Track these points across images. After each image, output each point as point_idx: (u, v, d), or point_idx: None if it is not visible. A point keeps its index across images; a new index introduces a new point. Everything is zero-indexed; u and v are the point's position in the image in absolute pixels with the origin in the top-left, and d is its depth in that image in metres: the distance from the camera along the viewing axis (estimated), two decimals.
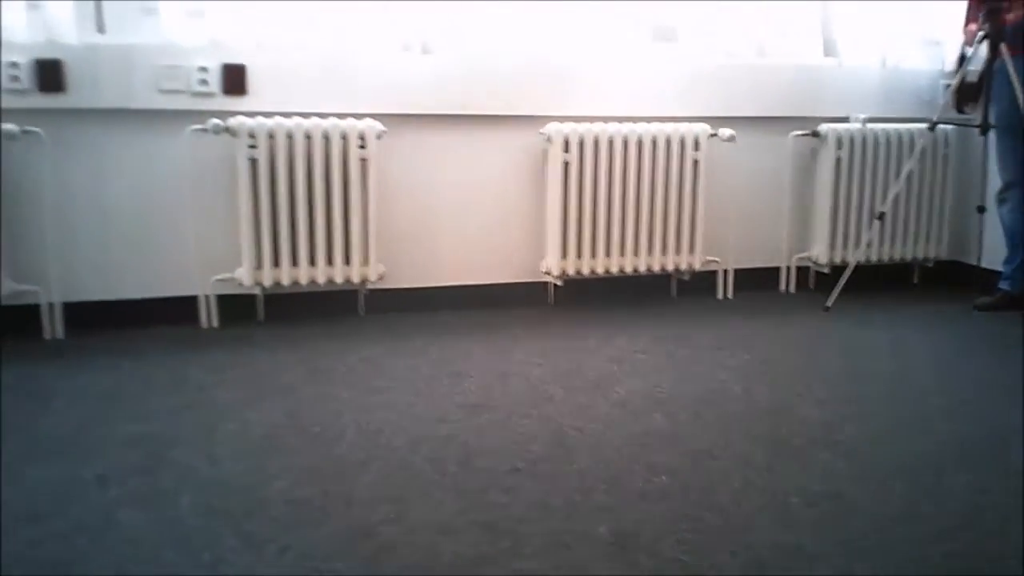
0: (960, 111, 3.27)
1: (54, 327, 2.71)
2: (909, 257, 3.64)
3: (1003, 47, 3.06)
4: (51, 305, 2.71)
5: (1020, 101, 3.03)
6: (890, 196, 3.40)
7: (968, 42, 3.28)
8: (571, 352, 2.69)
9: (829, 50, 3.50)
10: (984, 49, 3.09)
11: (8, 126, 2.54)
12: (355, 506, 1.68)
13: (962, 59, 3.26)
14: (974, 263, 3.43)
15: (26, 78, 2.59)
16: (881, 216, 3.38)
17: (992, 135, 3.20)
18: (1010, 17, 3.06)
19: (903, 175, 3.38)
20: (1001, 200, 3.34)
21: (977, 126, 3.21)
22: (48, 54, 2.58)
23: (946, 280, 3.69)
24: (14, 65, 2.57)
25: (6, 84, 2.57)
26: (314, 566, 1.46)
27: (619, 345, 2.78)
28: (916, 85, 3.60)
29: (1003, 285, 3.38)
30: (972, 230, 3.42)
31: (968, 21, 3.26)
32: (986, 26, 3.08)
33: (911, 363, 2.70)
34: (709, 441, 2.04)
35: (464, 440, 2.01)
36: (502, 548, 1.54)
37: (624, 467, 1.88)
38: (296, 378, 2.40)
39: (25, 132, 2.58)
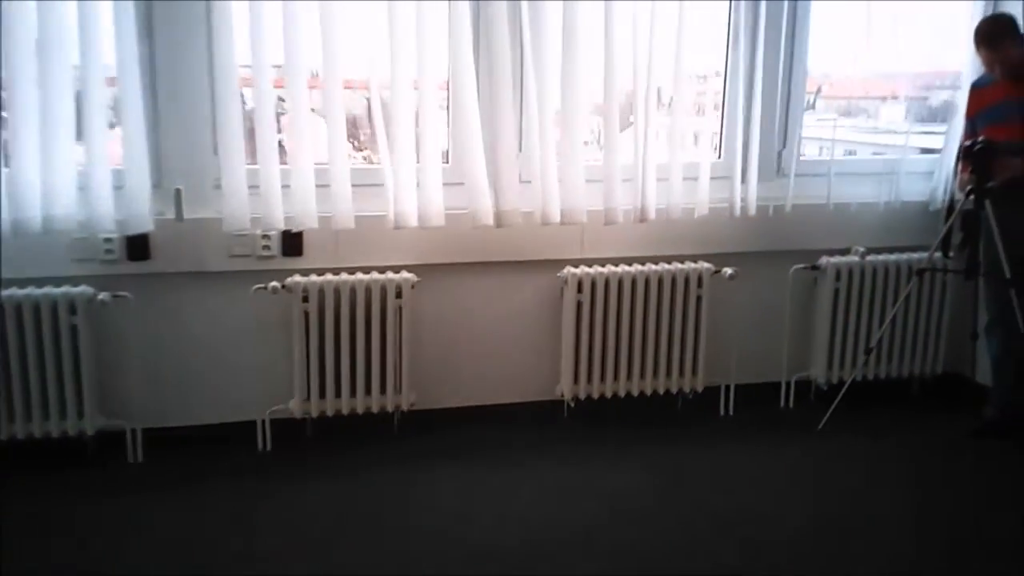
0: (946, 256, 3.53)
1: (136, 452, 3.24)
2: (906, 373, 3.94)
3: (987, 203, 3.33)
4: (134, 432, 3.24)
5: (1001, 255, 3.30)
6: (876, 335, 3.71)
7: (960, 189, 3.55)
8: (572, 492, 3.10)
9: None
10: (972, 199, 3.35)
11: (102, 295, 3.06)
12: None
13: (951, 208, 3.52)
14: (971, 377, 3.82)
15: (118, 250, 3.11)
16: (869, 351, 3.69)
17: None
18: (997, 178, 3.31)
19: (888, 318, 3.68)
20: (988, 332, 3.62)
21: (962, 272, 3.49)
22: (135, 230, 3.06)
23: (945, 394, 3.97)
24: (108, 240, 3.09)
25: (102, 256, 3.09)
26: None
27: (617, 484, 3.16)
28: (916, 216, 3.86)
29: (988, 411, 3.66)
30: (969, 346, 3.71)
31: (963, 168, 3.51)
32: (974, 179, 3.36)
33: (891, 502, 3.03)
34: None
35: None
36: None
37: None
38: (341, 527, 2.85)
39: (116, 297, 3.10)
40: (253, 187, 3.09)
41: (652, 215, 3.47)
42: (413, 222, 3.20)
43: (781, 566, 2.67)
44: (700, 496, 3.09)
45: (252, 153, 3.09)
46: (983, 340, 3.66)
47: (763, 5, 3.49)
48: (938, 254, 3.54)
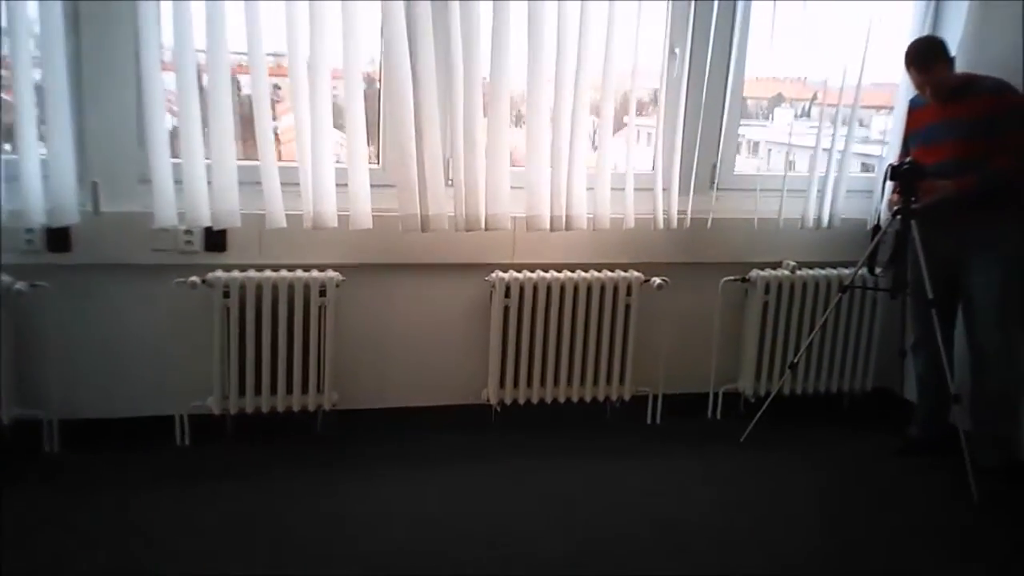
0: (872, 273, 3.55)
1: (52, 443, 3.23)
2: (836, 389, 3.96)
3: (913, 223, 3.34)
4: (51, 423, 3.23)
5: (924, 275, 3.32)
6: (803, 345, 3.73)
7: (888, 208, 3.57)
8: (488, 497, 3.12)
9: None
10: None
11: (19, 284, 3.05)
12: None
13: (877, 228, 3.53)
14: (900, 393, 3.87)
15: (38, 241, 3.10)
16: (792, 366, 3.71)
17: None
18: (924, 198, 3.33)
19: (817, 327, 3.70)
20: (914, 351, 3.65)
21: (888, 290, 3.52)
22: (60, 222, 3.04)
23: (874, 409, 3.99)
24: (29, 231, 3.07)
25: (23, 247, 3.08)
26: None
27: (533, 491, 3.17)
28: (854, 232, 3.87)
29: (912, 430, 3.70)
30: (898, 362, 3.74)
31: (893, 189, 3.52)
32: (901, 200, 3.38)
33: (798, 514, 3.05)
34: None
35: None
36: None
37: None
38: (250, 528, 2.84)
39: (33, 286, 3.09)
40: (178, 182, 3.07)
41: (583, 224, 3.47)
42: (332, 223, 3.19)
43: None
44: (611, 503, 3.11)
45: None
46: (910, 358, 3.68)
47: (692, 8, 3.49)
48: (865, 271, 3.55)
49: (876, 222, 3.64)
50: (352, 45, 3.11)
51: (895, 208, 3.40)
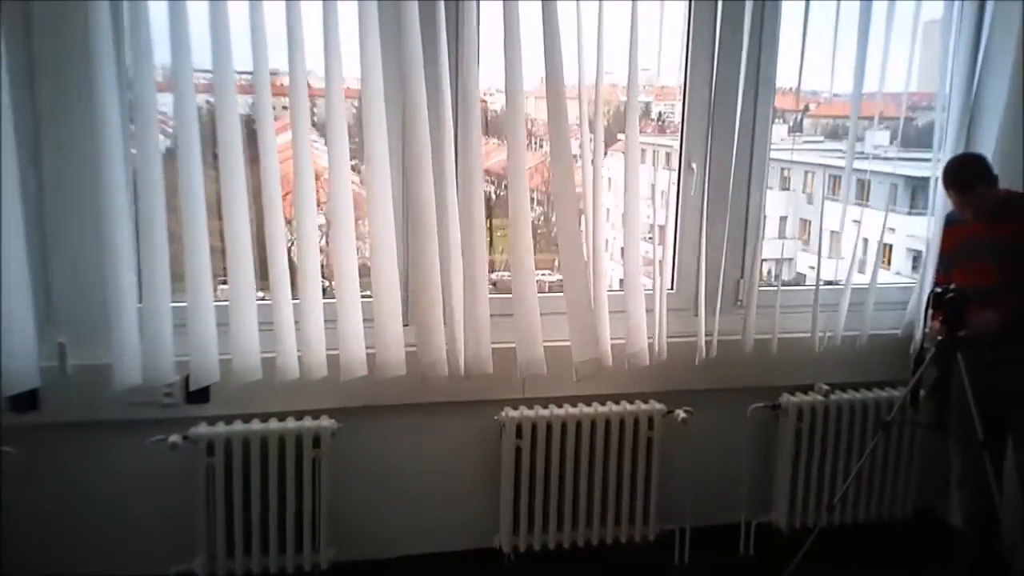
0: (915, 407, 3.25)
1: None
2: (875, 516, 3.65)
3: (959, 356, 3.06)
4: None
5: (975, 415, 3.03)
6: (840, 491, 3.42)
7: (930, 339, 3.27)
8: None
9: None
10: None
11: None
12: None
13: (920, 359, 3.24)
14: (944, 516, 3.63)
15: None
16: (832, 508, 3.41)
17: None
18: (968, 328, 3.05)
19: (853, 472, 3.39)
20: (960, 486, 3.36)
21: (931, 426, 3.23)
22: (21, 388, 2.73)
23: (917, 536, 3.68)
24: None
25: None
26: None
27: None
28: (886, 349, 3.59)
29: (959, 567, 3.40)
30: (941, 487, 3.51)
31: (933, 316, 3.21)
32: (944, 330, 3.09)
33: None
34: None
35: None
36: None
37: None
38: None
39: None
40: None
41: (645, 360, 3.23)
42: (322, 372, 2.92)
43: None
44: None
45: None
46: (955, 490, 3.39)
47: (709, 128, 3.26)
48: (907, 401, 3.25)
49: (917, 352, 3.35)
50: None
51: (939, 339, 3.11)
